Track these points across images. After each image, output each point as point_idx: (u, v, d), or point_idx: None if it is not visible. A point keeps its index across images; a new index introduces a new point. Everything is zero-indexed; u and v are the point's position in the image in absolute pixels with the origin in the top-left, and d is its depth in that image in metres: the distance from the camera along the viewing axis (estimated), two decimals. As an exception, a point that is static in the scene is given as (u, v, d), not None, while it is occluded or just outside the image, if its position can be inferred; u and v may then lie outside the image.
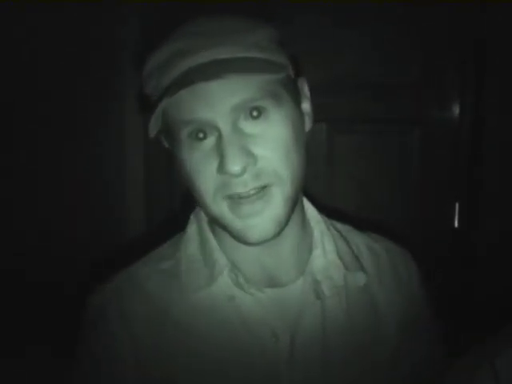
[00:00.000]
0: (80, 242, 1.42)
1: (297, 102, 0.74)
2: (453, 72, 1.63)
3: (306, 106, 0.78)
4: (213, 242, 0.77)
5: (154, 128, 0.67)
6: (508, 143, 1.57)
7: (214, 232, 0.79)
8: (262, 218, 0.69)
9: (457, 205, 1.68)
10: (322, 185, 1.68)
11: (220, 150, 0.66)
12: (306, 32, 1.61)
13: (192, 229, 0.81)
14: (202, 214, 0.80)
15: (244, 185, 0.67)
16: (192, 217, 0.82)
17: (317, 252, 0.79)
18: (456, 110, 1.65)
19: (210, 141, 0.67)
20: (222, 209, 0.69)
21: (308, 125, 0.78)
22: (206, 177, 0.67)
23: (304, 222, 0.81)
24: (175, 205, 1.58)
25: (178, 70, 0.65)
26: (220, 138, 0.66)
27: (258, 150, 0.67)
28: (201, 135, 0.67)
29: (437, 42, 1.61)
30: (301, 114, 0.75)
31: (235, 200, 0.68)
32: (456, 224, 1.68)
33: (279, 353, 0.73)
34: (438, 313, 1.63)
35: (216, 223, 0.73)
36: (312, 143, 1.64)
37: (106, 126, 1.43)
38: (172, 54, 0.66)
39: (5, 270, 1.36)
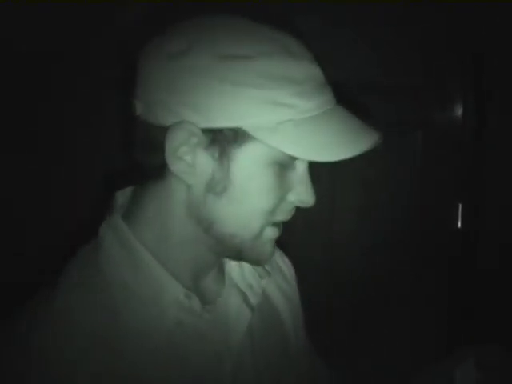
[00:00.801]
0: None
1: None
2: (454, 73, 1.63)
3: None
4: (154, 262, 0.67)
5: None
6: (510, 144, 1.57)
7: (154, 250, 0.68)
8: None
9: (460, 206, 1.68)
10: (323, 186, 1.69)
11: (301, 183, 0.68)
12: (305, 33, 1.61)
13: (111, 245, 0.68)
14: (125, 229, 0.68)
15: (291, 215, 0.69)
16: (108, 231, 0.68)
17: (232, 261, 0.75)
18: (458, 110, 1.65)
19: (294, 173, 0.67)
20: (262, 234, 0.67)
21: None
22: (268, 205, 0.65)
23: None
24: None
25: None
26: (303, 171, 0.68)
27: None
28: (294, 165, 0.67)
29: (438, 43, 1.61)
30: None
31: (274, 228, 0.68)
32: (459, 225, 1.68)
33: (223, 376, 0.69)
34: (440, 313, 1.64)
35: (231, 244, 0.67)
36: None
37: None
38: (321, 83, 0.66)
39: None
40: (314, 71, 0.65)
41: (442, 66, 1.63)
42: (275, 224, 0.68)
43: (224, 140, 0.62)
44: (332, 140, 0.63)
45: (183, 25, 0.65)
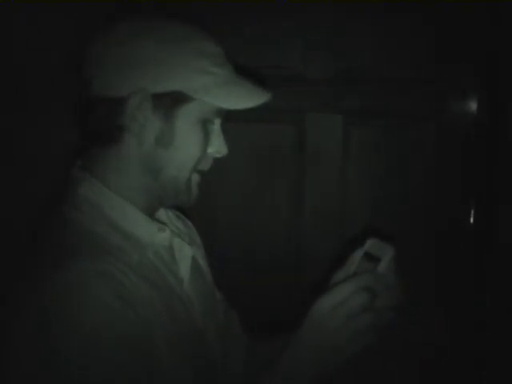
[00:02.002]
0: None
1: None
2: (468, 66, 1.61)
3: None
4: (129, 205, 0.86)
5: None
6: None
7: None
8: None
9: (472, 201, 1.66)
10: (335, 178, 1.71)
11: (217, 137, 0.89)
12: (320, 25, 1.63)
13: (92, 198, 0.84)
14: (98, 183, 0.85)
15: (209, 166, 0.91)
16: (85, 188, 0.84)
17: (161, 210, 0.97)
18: (472, 104, 1.63)
19: (214, 128, 0.89)
20: (191, 178, 0.88)
21: None
22: (199, 153, 0.86)
23: None
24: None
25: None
26: (218, 127, 0.89)
27: None
28: (214, 122, 0.88)
29: (451, 36, 1.60)
30: None
31: (197, 174, 0.89)
32: (472, 220, 1.66)
33: (184, 298, 0.91)
34: (451, 310, 1.63)
35: (166, 189, 0.87)
36: (326, 137, 1.68)
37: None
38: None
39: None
40: (221, 50, 0.87)
41: (456, 58, 1.61)
42: (198, 172, 0.89)
43: (169, 102, 0.82)
44: (242, 95, 0.87)
45: (127, 19, 0.86)
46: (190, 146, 0.85)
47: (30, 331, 0.71)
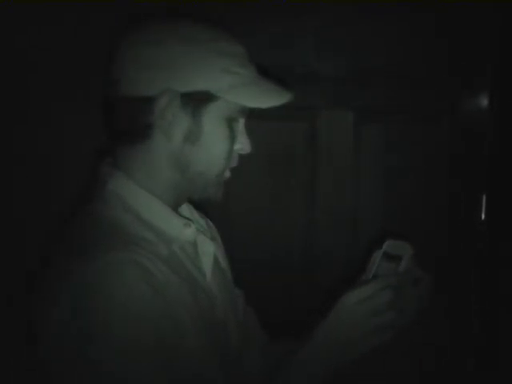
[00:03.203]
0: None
1: None
2: (480, 64, 1.62)
3: None
4: (158, 201, 0.89)
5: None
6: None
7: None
8: None
9: (484, 197, 1.66)
10: (347, 176, 1.71)
11: (242, 135, 0.93)
12: (332, 21, 1.63)
13: (121, 194, 0.87)
14: (129, 180, 0.88)
15: (236, 163, 0.95)
16: (115, 184, 0.88)
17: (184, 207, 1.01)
18: (484, 102, 1.64)
19: (238, 126, 0.92)
20: (222, 174, 0.92)
21: None
22: (225, 149, 0.89)
23: None
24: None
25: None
26: (242, 125, 0.93)
27: None
28: (239, 120, 0.92)
29: (464, 34, 1.60)
30: None
31: (228, 170, 0.93)
32: (483, 216, 1.67)
33: (209, 291, 0.94)
34: (463, 307, 1.63)
35: (194, 184, 0.91)
36: (339, 135, 1.68)
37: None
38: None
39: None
40: (244, 51, 0.90)
41: (468, 54, 1.62)
42: (227, 167, 0.92)
43: (196, 100, 0.86)
44: (265, 94, 0.90)
45: (152, 21, 0.89)
46: (217, 143, 0.89)
47: (67, 318, 0.74)
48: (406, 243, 0.89)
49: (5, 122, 1.41)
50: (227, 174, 0.93)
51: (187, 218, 0.96)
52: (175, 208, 0.94)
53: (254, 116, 1.60)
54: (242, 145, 0.93)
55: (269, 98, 0.90)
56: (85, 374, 0.73)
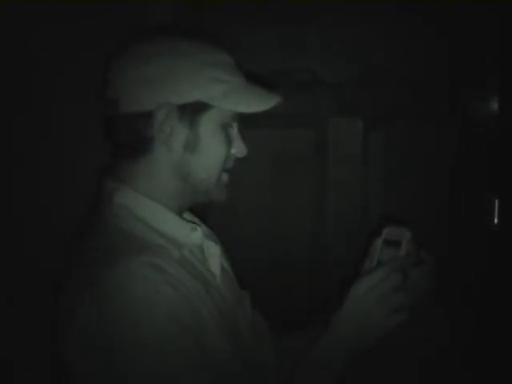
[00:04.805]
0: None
1: None
2: (489, 66, 1.60)
3: None
4: (164, 209, 0.92)
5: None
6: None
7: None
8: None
9: (496, 201, 1.63)
10: (357, 180, 1.69)
11: (237, 139, 0.96)
12: (338, 27, 1.62)
13: (129, 204, 0.91)
14: (134, 192, 0.92)
15: (232, 164, 0.98)
16: (122, 197, 0.91)
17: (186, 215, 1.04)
18: (493, 104, 1.62)
19: (233, 131, 0.96)
20: (220, 178, 0.95)
21: None
22: (223, 155, 0.93)
23: None
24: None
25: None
26: (236, 130, 0.97)
27: None
28: (232, 125, 0.95)
29: (473, 36, 1.59)
30: None
31: (226, 173, 0.97)
32: (496, 220, 1.63)
33: (218, 292, 0.97)
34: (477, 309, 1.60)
35: (196, 190, 0.94)
36: (347, 140, 1.67)
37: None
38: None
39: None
40: (233, 60, 0.95)
41: (478, 60, 1.60)
42: (226, 171, 0.96)
43: (191, 111, 0.90)
44: (255, 99, 0.94)
45: (142, 40, 0.92)
46: (214, 149, 0.93)
47: (93, 330, 0.77)
48: (403, 228, 0.94)
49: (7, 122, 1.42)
50: (226, 177, 0.97)
51: (193, 223, 0.99)
52: (180, 214, 0.97)
53: (262, 124, 1.62)
54: (238, 148, 0.97)
55: (258, 103, 0.93)
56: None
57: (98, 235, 0.88)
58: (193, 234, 0.94)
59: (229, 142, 0.94)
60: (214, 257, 1.00)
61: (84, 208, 1.39)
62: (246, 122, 0.95)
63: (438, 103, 1.64)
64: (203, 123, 0.91)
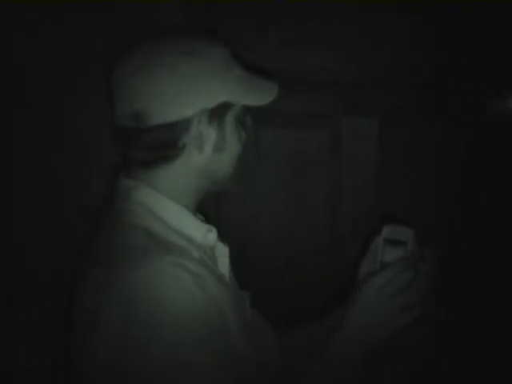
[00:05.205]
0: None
1: None
2: (507, 66, 1.55)
3: None
4: (184, 210, 0.93)
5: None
6: None
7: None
8: None
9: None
10: (371, 181, 1.66)
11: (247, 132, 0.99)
12: (352, 26, 1.59)
13: (137, 208, 0.90)
14: (155, 193, 0.91)
15: None
16: (144, 196, 0.90)
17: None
18: (510, 104, 1.57)
19: (243, 122, 0.98)
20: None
21: None
22: (241, 147, 0.97)
23: None
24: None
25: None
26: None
27: None
28: (242, 117, 0.97)
29: (490, 36, 1.55)
30: None
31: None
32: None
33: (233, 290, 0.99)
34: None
35: (217, 185, 0.97)
36: (362, 140, 1.64)
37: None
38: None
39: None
40: (232, 52, 0.95)
41: (495, 59, 1.56)
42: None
43: (220, 112, 0.91)
44: (265, 91, 0.96)
45: (164, 42, 0.90)
46: (236, 145, 0.96)
47: (120, 331, 0.77)
48: (405, 227, 0.94)
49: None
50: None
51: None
52: (195, 211, 0.98)
53: (275, 124, 1.59)
54: (245, 138, 1.00)
55: (267, 94, 0.95)
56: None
57: (115, 234, 0.87)
58: (208, 235, 0.95)
59: (242, 134, 0.98)
60: (224, 257, 1.00)
61: (83, 208, 1.42)
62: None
63: (453, 102, 1.60)
64: (227, 122, 0.93)
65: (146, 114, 0.86)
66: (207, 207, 1.07)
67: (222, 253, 1.00)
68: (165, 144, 0.88)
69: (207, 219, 1.05)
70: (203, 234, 0.94)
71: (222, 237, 1.04)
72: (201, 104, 0.87)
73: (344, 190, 1.67)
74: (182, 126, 0.87)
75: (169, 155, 0.89)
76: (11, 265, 1.42)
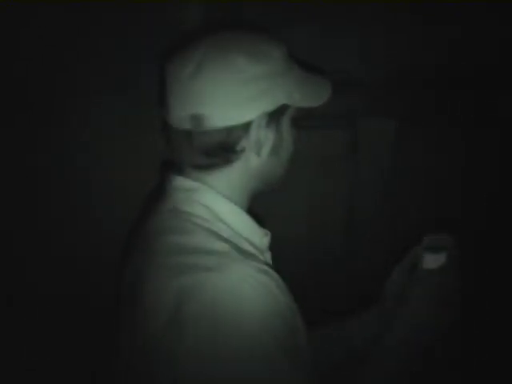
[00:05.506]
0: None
1: None
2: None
3: None
4: (244, 214, 0.92)
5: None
6: None
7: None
8: None
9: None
10: (388, 180, 1.66)
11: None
12: (369, 26, 1.57)
13: (202, 210, 0.88)
14: (217, 195, 0.89)
15: None
16: (206, 196, 0.89)
17: None
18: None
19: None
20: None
21: None
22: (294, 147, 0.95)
23: None
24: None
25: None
26: None
27: None
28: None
29: (501, 33, 1.54)
30: None
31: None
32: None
33: None
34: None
35: (271, 186, 0.96)
36: (379, 141, 1.64)
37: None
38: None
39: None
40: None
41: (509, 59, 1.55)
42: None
43: (277, 115, 0.88)
44: (318, 91, 0.94)
45: (226, 41, 0.87)
46: (291, 145, 0.94)
47: (202, 340, 0.75)
48: (444, 235, 0.97)
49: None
50: None
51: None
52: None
53: (294, 125, 1.58)
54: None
55: (323, 94, 0.94)
56: None
57: (187, 235, 0.84)
58: (264, 240, 0.94)
59: (295, 135, 0.96)
60: (269, 261, 0.98)
61: (83, 208, 1.41)
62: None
63: (470, 103, 1.59)
64: (284, 124, 0.91)
65: (206, 117, 0.84)
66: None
67: (269, 258, 0.98)
68: (223, 148, 0.86)
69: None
70: (260, 238, 0.93)
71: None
72: (262, 107, 0.85)
73: (360, 189, 1.67)
74: (242, 129, 0.85)
75: (227, 159, 0.87)
76: (11, 265, 1.42)
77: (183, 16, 1.42)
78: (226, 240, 0.84)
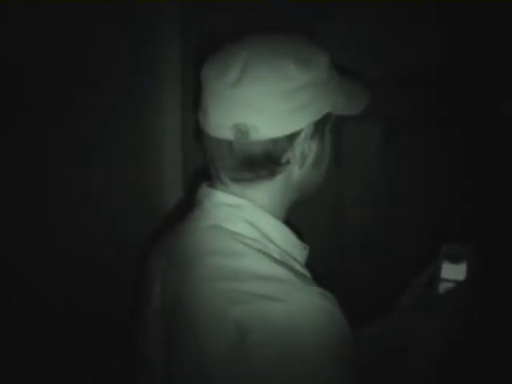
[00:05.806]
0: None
1: None
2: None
3: None
4: (285, 227, 0.89)
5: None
6: None
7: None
8: None
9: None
10: (376, 186, 1.66)
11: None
12: (366, 26, 1.58)
13: (247, 229, 0.84)
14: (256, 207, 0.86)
15: None
16: (238, 214, 0.85)
17: None
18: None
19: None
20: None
21: None
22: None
23: None
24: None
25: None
26: None
27: None
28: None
29: (501, 32, 1.54)
30: None
31: None
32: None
33: None
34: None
35: (308, 197, 0.92)
36: (366, 146, 1.63)
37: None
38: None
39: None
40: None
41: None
42: None
43: (322, 125, 0.85)
44: (358, 98, 0.90)
45: (271, 46, 0.82)
46: (330, 154, 0.91)
47: (265, 370, 0.73)
48: (463, 243, 0.97)
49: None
50: None
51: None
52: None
53: None
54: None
55: (363, 101, 0.90)
56: None
57: (235, 260, 0.80)
58: (303, 253, 0.91)
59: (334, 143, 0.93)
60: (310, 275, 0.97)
61: (82, 208, 1.41)
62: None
63: (465, 104, 1.60)
64: (327, 134, 0.88)
65: (251, 128, 0.79)
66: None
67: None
68: (268, 160, 0.82)
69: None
70: (300, 251, 0.90)
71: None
72: (310, 117, 0.82)
73: (348, 196, 1.67)
74: (287, 140, 0.81)
75: (271, 172, 0.83)
76: (11, 265, 1.41)
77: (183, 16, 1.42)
78: (279, 262, 0.81)
